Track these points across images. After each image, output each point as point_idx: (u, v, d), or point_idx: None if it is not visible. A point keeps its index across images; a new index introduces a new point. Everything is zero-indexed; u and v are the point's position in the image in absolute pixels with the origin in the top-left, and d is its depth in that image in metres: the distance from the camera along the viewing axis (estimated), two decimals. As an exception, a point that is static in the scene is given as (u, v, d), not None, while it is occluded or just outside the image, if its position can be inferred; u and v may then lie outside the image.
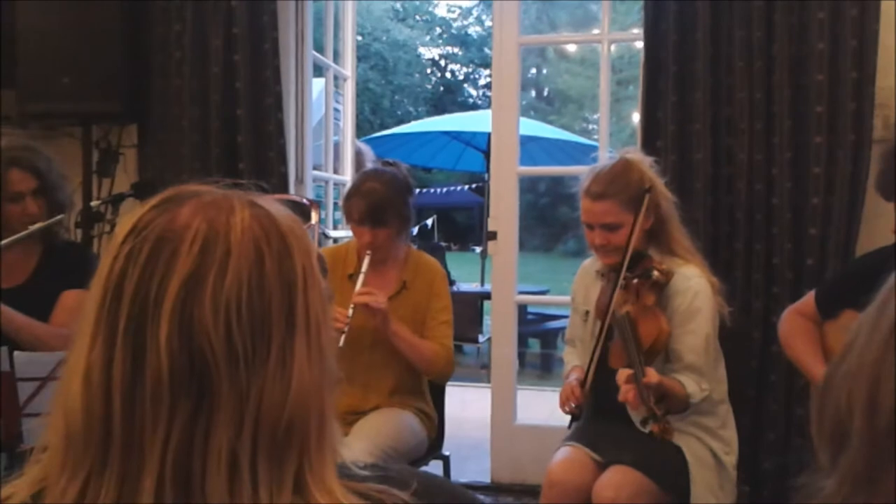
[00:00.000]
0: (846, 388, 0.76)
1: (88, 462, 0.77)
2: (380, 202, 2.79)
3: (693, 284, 2.51)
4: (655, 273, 2.46)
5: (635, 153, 2.67)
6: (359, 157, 4.82)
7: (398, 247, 2.95)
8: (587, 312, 2.72)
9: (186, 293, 0.77)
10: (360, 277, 2.76)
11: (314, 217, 1.00)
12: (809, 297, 2.62)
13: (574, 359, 2.83)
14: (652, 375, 2.29)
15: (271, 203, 0.86)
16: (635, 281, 2.49)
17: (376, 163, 3.44)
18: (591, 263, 2.80)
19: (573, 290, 2.85)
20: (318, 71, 4.40)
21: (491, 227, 3.93)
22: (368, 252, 2.81)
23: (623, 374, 2.33)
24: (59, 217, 2.72)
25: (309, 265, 0.83)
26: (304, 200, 1.02)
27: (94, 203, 3.50)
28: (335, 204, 4.49)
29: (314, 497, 0.79)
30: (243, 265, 0.79)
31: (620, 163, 2.59)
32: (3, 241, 2.58)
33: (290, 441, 0.79)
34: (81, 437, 0.77)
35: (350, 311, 2.66)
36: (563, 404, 2.59)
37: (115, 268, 0.80)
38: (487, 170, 6.34)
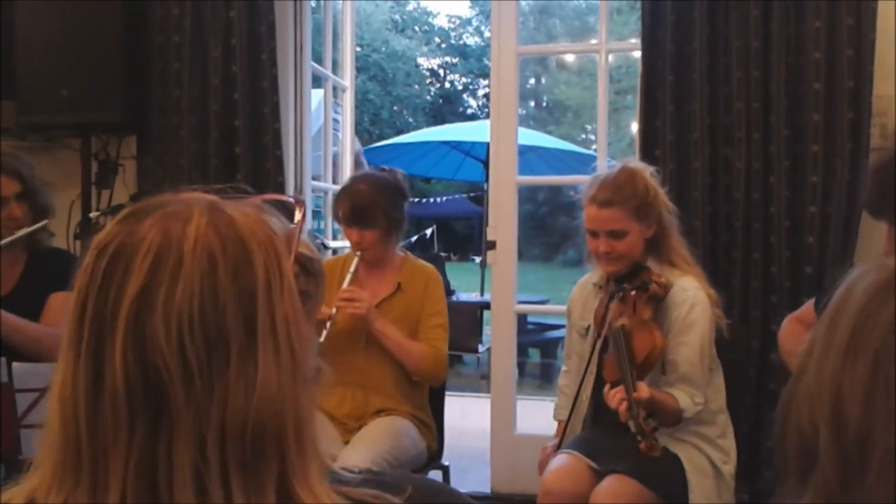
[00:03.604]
0: (807, 405, 0.76)
1: (69, 478, 0.77)
2: (365, 202, 2.84)
3: (690, 296, 2.52)
4: (653, 286, 2.47)
5: (636, 162, 2.69)
6: (358, 159, 4.84)
7: (392, 250, 2.99)
8: (588, 328, 2.72)
9: (139, 308, 0.76)
10: (347, 278, 2.82)
11: (298, 215, 0.98)
12: (809, 305, 2.62)
13: (564, 402, 2.84)
14: (643, 390, 2.28)
15: (241, 207, 0.84)
16: (633, 293, 2.49)
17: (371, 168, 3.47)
18: (589, 278, 2.81)
19: (570, 306, 2.86)
20: (317, 82, 4.41)
21: (490, 236, 3.93)
22: (357, 253, 2.86)
23: (615, 386, 2.33)
24: (43, 222, 2.74)
25: (274, 268, 0.81)
26: (290, 199, 1.00)
27: (92, 214, 3.50)
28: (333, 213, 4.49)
29: (301, 502, 0.78)
30: (195, 275, 0.77)
31: (625, 171, 2.60)
32: None
33: (262, 448, 0.77)
34: (62, 451, 0.78)
35: (333, 311, 2.71)
36: (540, 467, 2.70)
37: (81, 284, 0.80)
38: (486, 179, 6.35)
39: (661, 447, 2.46)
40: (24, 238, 2.68)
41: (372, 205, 2.84)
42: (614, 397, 2.30)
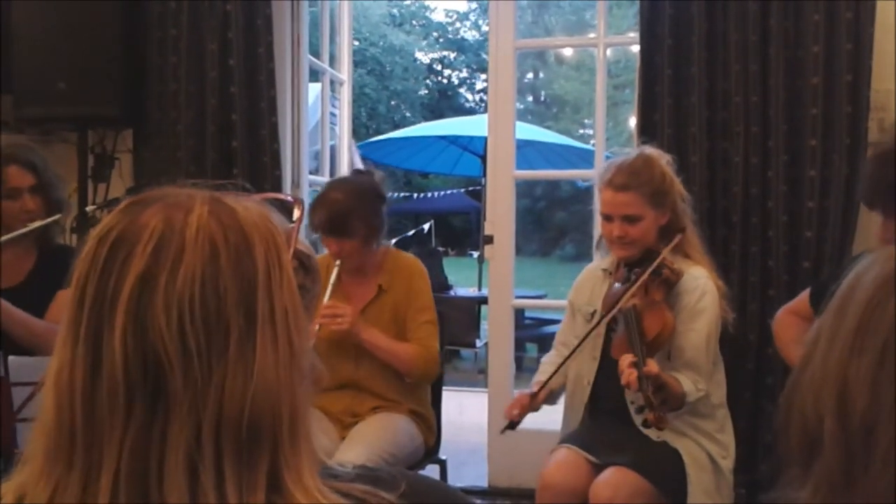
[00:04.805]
0: (812, 394, 0.77)
1: (60, 463, 0.77)
2: (341, 212, 2.73)
3: (701, 284, 2.53)
4: (665, 270, 2.48)
5: (653, 149, 2.68)
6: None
7: (372, 253, 2.88)
8: (593, 313, 2.71)
9: (140, 292, 0.77)
10: (328, 290, 2.69)
11: (296, 213, 0.99)
12: (804, 296, 2.63)
13: (546, 370, 2.79)
14: (652, 366, 2.30)
15: (245, 201, 0.85)
16: (645, 277, 2.50)
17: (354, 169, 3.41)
18: (598, 264, 2.81)
19: (575, 291, 2.84)
20: (315, 75, 4.41)
21: (488, 231, 3.92)
22: (337, 263, 2.75)
23: (625, 358, 2.34)
24: (56, 216, 2.73)
25: (275, 260, 0.82)
26: (288, 198, 1.01)
27: (89, 208, 3.49)
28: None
29: (292, 496, 0.78)
30: (196, 262, 0.78)
31: (642, 157, 2.60)
32: (2, 238, 2.59)
33: (258, 439, 0.78)
34: (54, 438, 0.78)
35: (316, 327, 2.62)
36: (509, 408, 2.62)
37: (81, 272, 0.80)
38: (484, 174, 6.35)
39: (662, 441, 2.47)
40: (35, 231, 2.68)
41: (349, 214, 2.74)
42: (626, 369, 2.31)
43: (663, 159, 2.62)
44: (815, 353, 0.78)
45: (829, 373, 0.75)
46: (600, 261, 2.80)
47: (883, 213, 2.24)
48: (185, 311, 0.76)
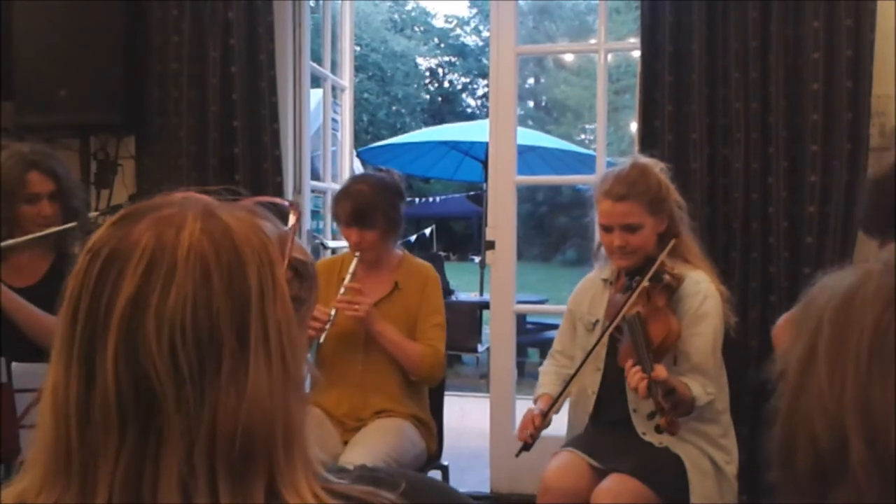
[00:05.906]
0: (825, 420, 0.73)
1: (61, 479, 0.77)
2: (366, 203, 2.85)
3: (703, 288, 2.54)
4: (666, 276, 2.48)
5: (646, 158, 2.70)
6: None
7: (390, 250, 3.00)
8: (595, 323, 2.71)
9: (131, 313, 0.76)
10: (347, 278, 2.82)
11: (292, 219, 0.98)
12: None
13: (549, 381, 2.80)
14: (660, 371, 2.30)
15: (238, 211, 0.84)
16: (646, 284, 2.50)
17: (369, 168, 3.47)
18: (597, 274, 2.81)
19: (575, 301, 2.84)
20: (316, 81, 4.42)
21: (489, 236, 3.93)
22: (357, 254, 2.86)
23: (634, 371, 2.34)
24: (72, 224, 2.77)
25: (268, 276, 0.81)
26: (284, 202, 1.01)
27: (92, 214, 3.50)
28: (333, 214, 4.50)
29: (285, 499, 0.78)
30: (188, 283, 0.77)
31: (638, 166, 2.61)
32: (15, 240, 2.65)
33: (252, 456, 0.77)
34: (52, 454, 0.78)
35: (333, 312, 2.71)
36: (521, 430, 2.62)
37: (73, 288, 0.79)
38: (485, 179, 6.35)
39: (664, 447, 2.47)
40: (51, 237, 2.73)
41: (373, 205, 2.85)
42: (634, 376, 2.31)
43: (657, 167, 2.64)
44: (815, 375, 0.75)
45: (846, 398, 0.72)
46: (599, 271, 2.80)
47: (881, 240, 2.23)
48: (176, 334, 0.75)
